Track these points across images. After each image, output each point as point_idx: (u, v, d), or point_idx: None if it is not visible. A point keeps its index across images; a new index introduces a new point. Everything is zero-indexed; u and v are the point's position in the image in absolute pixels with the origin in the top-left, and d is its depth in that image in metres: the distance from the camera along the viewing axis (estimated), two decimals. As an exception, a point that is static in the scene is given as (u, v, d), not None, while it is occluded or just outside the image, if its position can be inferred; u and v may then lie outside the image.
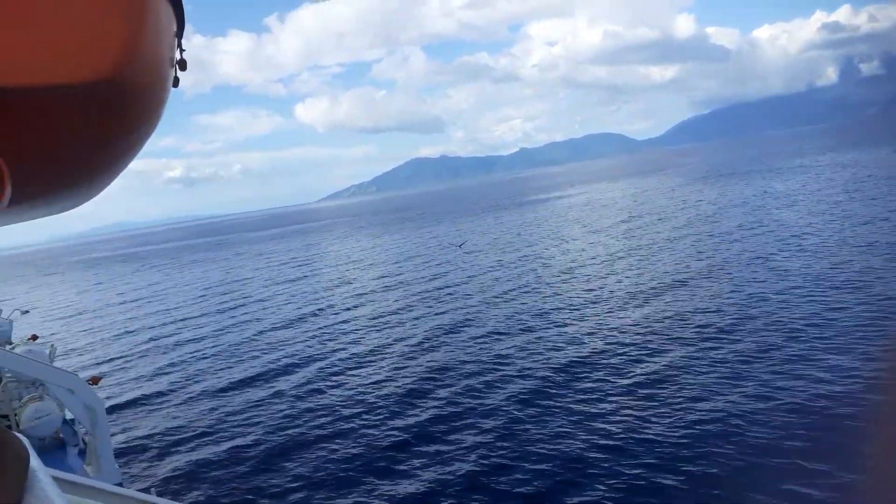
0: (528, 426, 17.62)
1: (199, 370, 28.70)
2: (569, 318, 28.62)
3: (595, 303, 30.93)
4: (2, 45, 2.70)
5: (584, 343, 24.57)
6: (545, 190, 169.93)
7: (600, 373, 20.91)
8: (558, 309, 30.71)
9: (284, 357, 28.82)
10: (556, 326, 27.55)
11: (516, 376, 21.77)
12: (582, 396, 19.16)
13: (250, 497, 15.99)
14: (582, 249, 49.67)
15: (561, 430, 17.07)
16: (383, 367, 25.13)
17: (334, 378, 24.66)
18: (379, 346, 28.45)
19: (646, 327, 25.36)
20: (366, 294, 43.38)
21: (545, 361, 22.92)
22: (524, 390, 20.32)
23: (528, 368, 22.40)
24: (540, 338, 26.08)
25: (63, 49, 2.86)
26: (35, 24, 2.80)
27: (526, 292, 35.84)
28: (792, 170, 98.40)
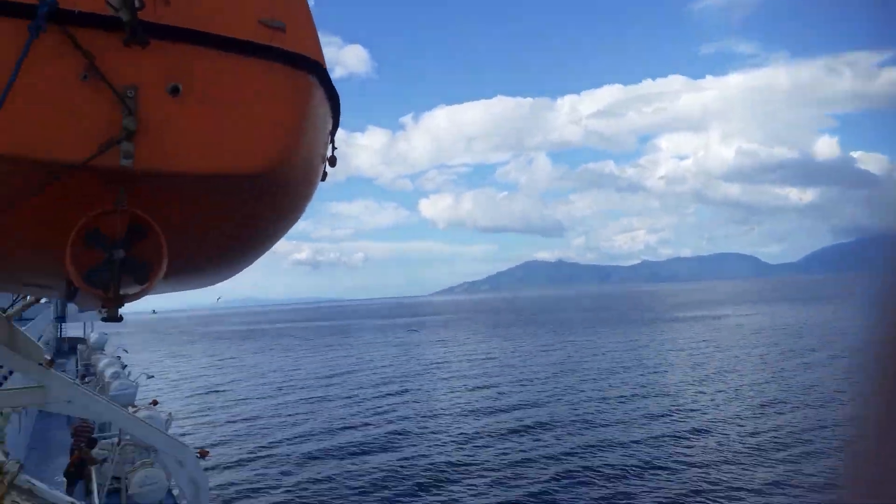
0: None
1: (301, 455, 28.58)
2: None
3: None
4: (177, 137, 2.88)
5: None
6: (674, 308, 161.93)
7: None
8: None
9: (391, 445, 28.63)
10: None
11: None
12: None
13: None
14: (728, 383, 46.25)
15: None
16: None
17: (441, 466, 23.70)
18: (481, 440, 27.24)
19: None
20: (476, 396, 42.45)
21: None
22: None
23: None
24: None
25: (230, 143, 3.01)
26: (208, 121, 2.98)
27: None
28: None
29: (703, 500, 20.57)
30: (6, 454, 3.44)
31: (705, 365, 51.06)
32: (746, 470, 23.29)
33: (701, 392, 39.33)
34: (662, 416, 33.07)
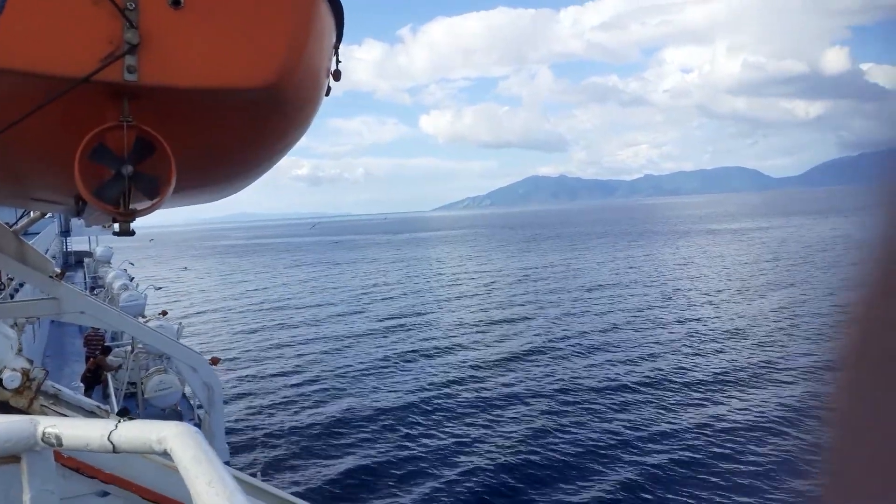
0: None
1: (305, 363, 29.62)
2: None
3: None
4: (181, 51, 2.84)
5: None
6: (682, 221, 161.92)
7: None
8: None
9: (390, 355, 29.73)
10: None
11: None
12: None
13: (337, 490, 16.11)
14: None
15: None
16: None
17: (433, 373, 24.61)
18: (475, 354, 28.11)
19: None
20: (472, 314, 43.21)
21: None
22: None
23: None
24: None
25: (235, 57, 2.97)
26: (211, 34, 2.92)
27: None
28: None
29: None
30: (30, 362, 3.62)
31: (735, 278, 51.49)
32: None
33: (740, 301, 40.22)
34: (700, 335, 33.88)
